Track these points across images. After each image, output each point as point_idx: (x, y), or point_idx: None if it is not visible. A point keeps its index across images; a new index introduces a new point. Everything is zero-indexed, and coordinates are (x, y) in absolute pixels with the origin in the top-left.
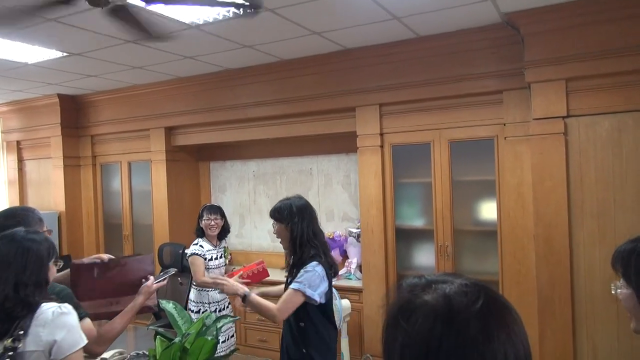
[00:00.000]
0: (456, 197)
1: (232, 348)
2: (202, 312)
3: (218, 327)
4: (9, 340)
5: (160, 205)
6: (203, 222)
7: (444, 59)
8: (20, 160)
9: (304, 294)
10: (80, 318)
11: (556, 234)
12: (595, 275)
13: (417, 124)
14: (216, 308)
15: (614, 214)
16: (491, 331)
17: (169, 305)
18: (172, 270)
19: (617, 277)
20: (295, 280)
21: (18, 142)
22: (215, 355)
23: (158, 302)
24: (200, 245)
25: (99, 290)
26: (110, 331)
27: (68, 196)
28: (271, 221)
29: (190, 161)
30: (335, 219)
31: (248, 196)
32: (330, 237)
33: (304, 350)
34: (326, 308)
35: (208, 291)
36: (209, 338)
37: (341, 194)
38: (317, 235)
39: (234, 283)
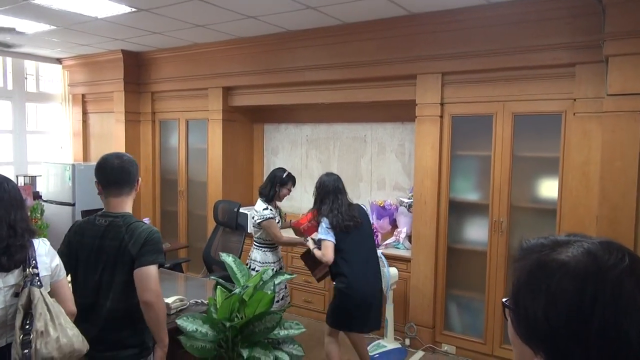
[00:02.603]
0: (516, 172)
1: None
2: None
3: (275, 282)
4: (30, 267)
5: (215, 163)
6: (285, 190)
7: (514, 27)
8: (85, 113)
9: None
10: (153, 262)
11: (622, 216)
12: None
13: (481, 95)
14: (280, 266)
15: None
16: None
17: (228, 259)
18: None
19: None
20: None
21: (83, 96)
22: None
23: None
24: (271, 209)
25: None
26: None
27: (128, 150)
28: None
29: (246, 122)
30: (387, 187)
31: (300, 160)
32: (381, 205)
33: (334, 283)
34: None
35: (272, 251)
36: (268, 292)
37: (394, 163)
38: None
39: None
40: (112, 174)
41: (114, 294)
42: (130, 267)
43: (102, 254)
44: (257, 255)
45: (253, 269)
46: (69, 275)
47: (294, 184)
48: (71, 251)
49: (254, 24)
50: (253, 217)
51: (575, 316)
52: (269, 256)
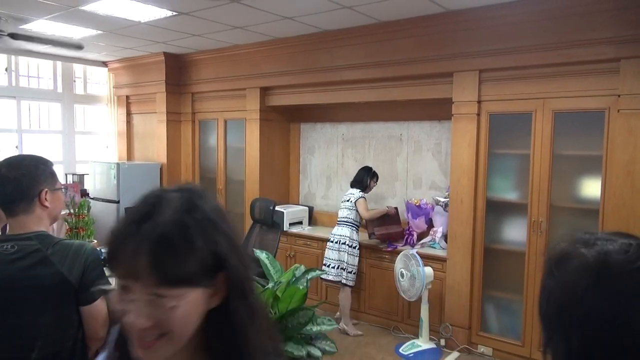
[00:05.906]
0: (556, 171)
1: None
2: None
3: (308, 278)
4: None
5: (253, 162)
6: (373, 183)
7: (555, 22)
8: (129, 114)
9: None
10: (96, 298)
11: None
12: None
13: (520, 92)
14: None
15: None
16: None
17: (262, 255)
18: None
19: None
20: None
21: (127, 97)
22: (304, 305)
23: None
24: (364, 195)
25: None
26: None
27: (169, 149)
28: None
29: (282, 122)
30: (423, 186)
31: (336, 159)
32: (417, 204)
33: None
34: None
35: (358, 232)
36: (301, 287)
37: (431, 161)
38: None
39: None
40: None
41: (42, 341)
42: (67, 301)
43: (16, 291)
44: (347, 231)
45: (344, 243)
46: None
47: (377, 180)
48: None
49: (291, 25)
50: (349, 200)
51: (567, 306)
52: (355, 235)
